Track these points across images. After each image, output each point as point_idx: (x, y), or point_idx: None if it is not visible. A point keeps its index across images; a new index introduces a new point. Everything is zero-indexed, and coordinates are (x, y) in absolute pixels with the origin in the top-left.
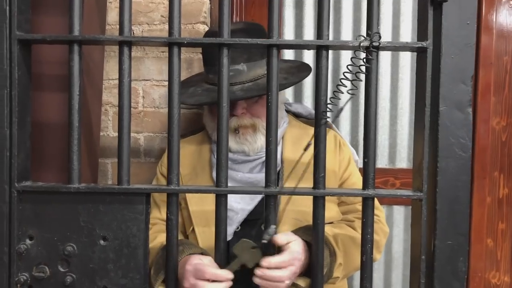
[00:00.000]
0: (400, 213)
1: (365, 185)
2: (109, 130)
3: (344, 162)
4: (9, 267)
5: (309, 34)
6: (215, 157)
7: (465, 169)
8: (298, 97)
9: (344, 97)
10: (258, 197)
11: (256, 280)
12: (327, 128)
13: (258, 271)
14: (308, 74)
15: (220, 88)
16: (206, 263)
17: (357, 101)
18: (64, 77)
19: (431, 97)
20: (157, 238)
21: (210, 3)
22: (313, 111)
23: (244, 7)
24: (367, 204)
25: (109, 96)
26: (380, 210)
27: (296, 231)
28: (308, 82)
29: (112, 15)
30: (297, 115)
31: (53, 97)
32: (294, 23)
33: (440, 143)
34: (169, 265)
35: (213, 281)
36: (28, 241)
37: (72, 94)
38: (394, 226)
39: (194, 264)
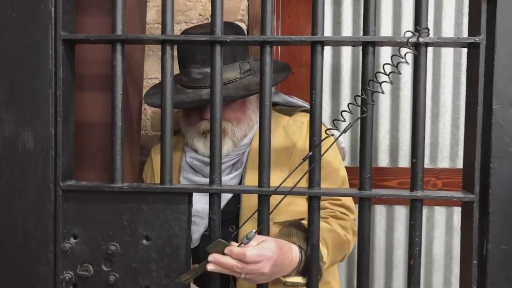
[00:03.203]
0: (441, 214)
1: (413, 187)
2: (147, 129)
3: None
4: (54, 265)
5: (347, 31)
6: (186, 159)
7: None
8: (335, 94)
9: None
10: (225, 198)
11: (209, 267)
12: (304, 113)
13: (210, 257)
14: (288, 74)
15: (262, 84)
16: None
17: (397, 99)
18: (107, 77)
19: (484, 95)
20: None
21: (248, 1)
22: (290, 99)
23: (281, 5)
24: (415, 207)
25: None
26: (351, 211)
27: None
28: (346, 80)
29: (150, 14)
30: (274, 104)
31: (96, 96)
32: (332, 20)
33: (493, 142)
34: None
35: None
36: (72, 240)
37: (115, 94)
38: (435, 228)
39: None
